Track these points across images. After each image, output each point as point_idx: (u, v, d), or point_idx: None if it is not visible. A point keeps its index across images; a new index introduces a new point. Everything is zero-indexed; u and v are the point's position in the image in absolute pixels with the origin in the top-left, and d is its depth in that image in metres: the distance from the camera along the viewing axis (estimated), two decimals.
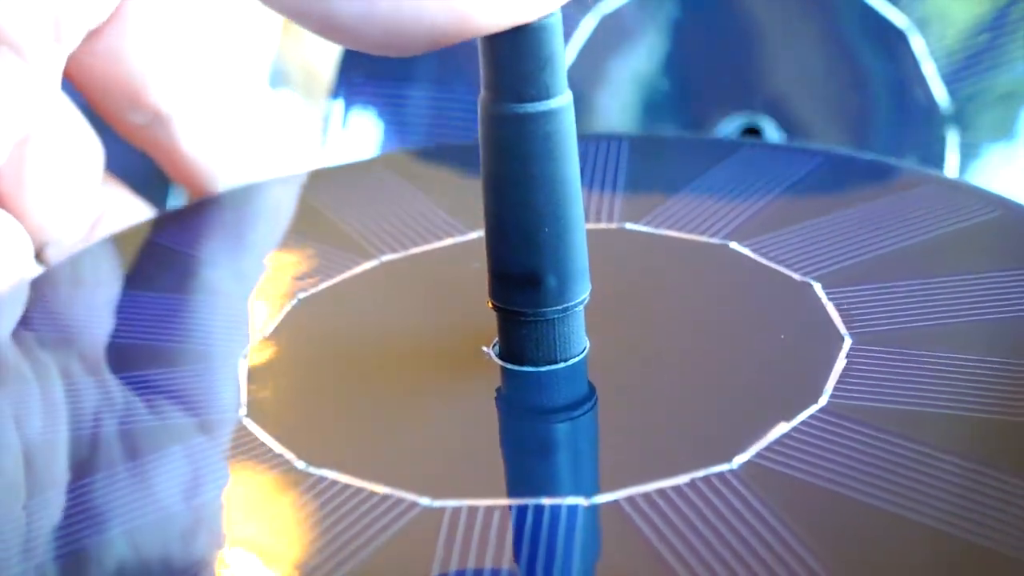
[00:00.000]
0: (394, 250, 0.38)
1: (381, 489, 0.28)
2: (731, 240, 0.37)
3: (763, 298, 0.34)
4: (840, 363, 0.31)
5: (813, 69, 0.55)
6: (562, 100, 0.30)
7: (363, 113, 0.56)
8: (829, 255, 0.36)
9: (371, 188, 0.42)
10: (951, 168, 0.53)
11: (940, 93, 0.53)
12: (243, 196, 0.42)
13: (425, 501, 0.27)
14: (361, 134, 0.56)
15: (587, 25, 0.54)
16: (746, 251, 0.36)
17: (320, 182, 0.43)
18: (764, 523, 0.26)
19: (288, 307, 0.35)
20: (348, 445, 0.30)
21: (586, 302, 0.32)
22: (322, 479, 0.28)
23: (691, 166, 0.42)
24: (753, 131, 0.54)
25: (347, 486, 0.28)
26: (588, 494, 0.27)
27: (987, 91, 0.53)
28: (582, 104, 0.54)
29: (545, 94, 0.30)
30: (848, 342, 0.31)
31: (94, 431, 0.31)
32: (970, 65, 0.53)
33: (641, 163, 0.43)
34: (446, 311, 0.35)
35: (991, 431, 0.28)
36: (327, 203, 0.41)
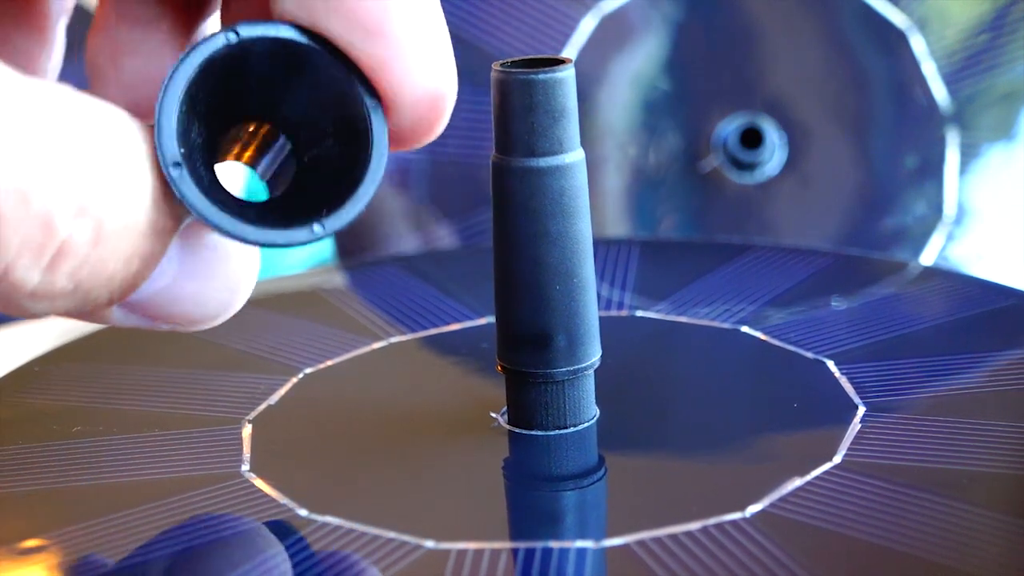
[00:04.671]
0: (402, 333, 0.39)
1: (385, 533, 0.28)
2: (742, 325, 0.37)
3: (776, 373, 0.35)
4: (854, 427, 0.31)
5: (813, 69, 0.55)
6: (575, 156, 0.30)
7: None
8: (841, 338, 0.36)
9: (381, 281, 0.43)
10: (951, 168, 0.53)
11: (940, 93, 0.53)
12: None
13: (430, 544, 0.27)
14: None
15: (587, 25, 0.54)
16: (758, 334, 0.37)
17: (331, 275, 0.44)
18: (779, 564, 0.26)
19: (294, 381, 0.36)
20: (351, 496, 0.30)
21: (596, 366, 0.31)
22: (324, 524, 0.28)
23: (700, 265, 0.43)
24: (754, 131, 0.54)
25: (350, 530, 0.28)
26: (597, 538, 0.27)
27: (987, 91, 0.53)
28: (583, 104, 0.54)
29: (558, 148, 0.29)
30: (862, 410, 0.32)
31: (110, 480, 0.31)
32: (970, 65, 0.53)
33: (651, 262, 0.43)
34: (454, 384, 0.36)
35: (995, 483, 0.29)
36: (336, 294, 0.42)
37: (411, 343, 0.38)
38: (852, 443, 0.30)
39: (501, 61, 0.30)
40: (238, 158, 0.27)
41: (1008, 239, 0.53)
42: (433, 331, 0.38)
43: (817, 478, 0.29)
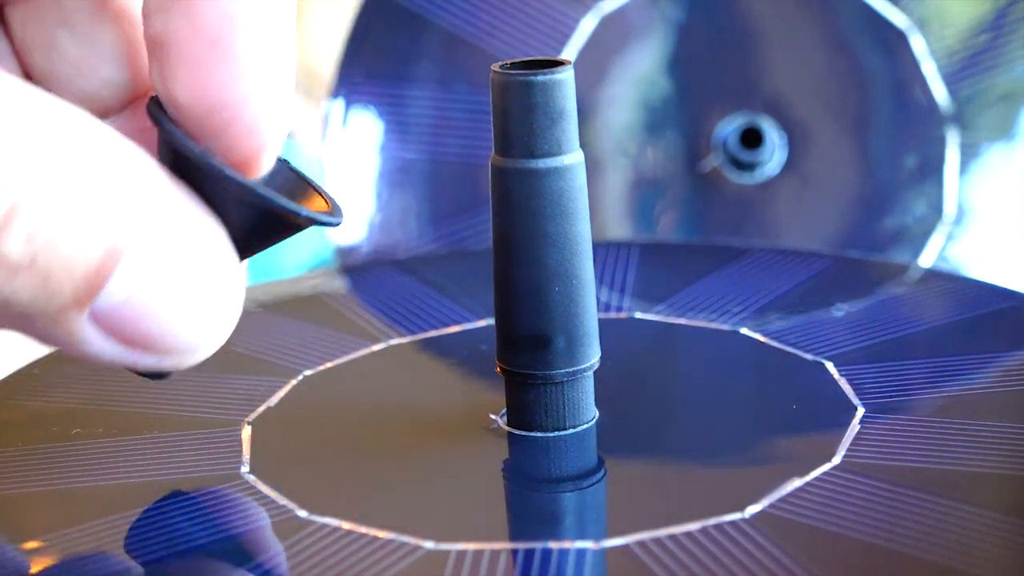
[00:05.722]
0: (401, 335, 0.39)
1: (384, 534, 0.28)
2: (741, 327, 0.37)
3: (775, 375, 0.35)
4: (853, 428, 0.31)
5: (813, 69, 0.55)
6: (574, 157, 0.30)
7: (363, 113, 0.56)
8: (840, 339, 0.36)
9: (379, 284, 0.43)
10: (951, 168, 0.53)
11: (940, 93, 0.53)
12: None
13: (429, 544, 0.27)
14: (361, 134, 0.56)
15: (587, 25, 0.55)
16: (757, 336, 0.37)
17: (329, 278, 0.44)
18: (778, 564, 0.26)
19: (293, 383, 0.36)
20: (350, 497, 0.30)
21: (595, 368, 0.31)
22: (324, 526, 0.28)
23: (700, 267, 0.43)
24: (754, 131, 0.54)
25: (349, 532, 0.28)
26: (597, 538, 0.27)
27: (987, 91, 0.53)
28: (582, 104, 0.54)
29: (557, 150, 0.29)
30: (861, 411, 0.32)
31: (110, 482, 0.31)
32: (970, 65, 0.53)
33: (651, 264, 0.43)
34: (454, 386, 0.36)
35: (995, 483, 0.29)
36: (335, 296, 0.42)
37: (410, 345, 0.38)
38: (851, 444, 0.30)
39: (500, 62, 0.30)
40: None
41: (1008, 239, 0.53)
42: (432, 333, 0.38)
43: (816, 479, 0.29)
